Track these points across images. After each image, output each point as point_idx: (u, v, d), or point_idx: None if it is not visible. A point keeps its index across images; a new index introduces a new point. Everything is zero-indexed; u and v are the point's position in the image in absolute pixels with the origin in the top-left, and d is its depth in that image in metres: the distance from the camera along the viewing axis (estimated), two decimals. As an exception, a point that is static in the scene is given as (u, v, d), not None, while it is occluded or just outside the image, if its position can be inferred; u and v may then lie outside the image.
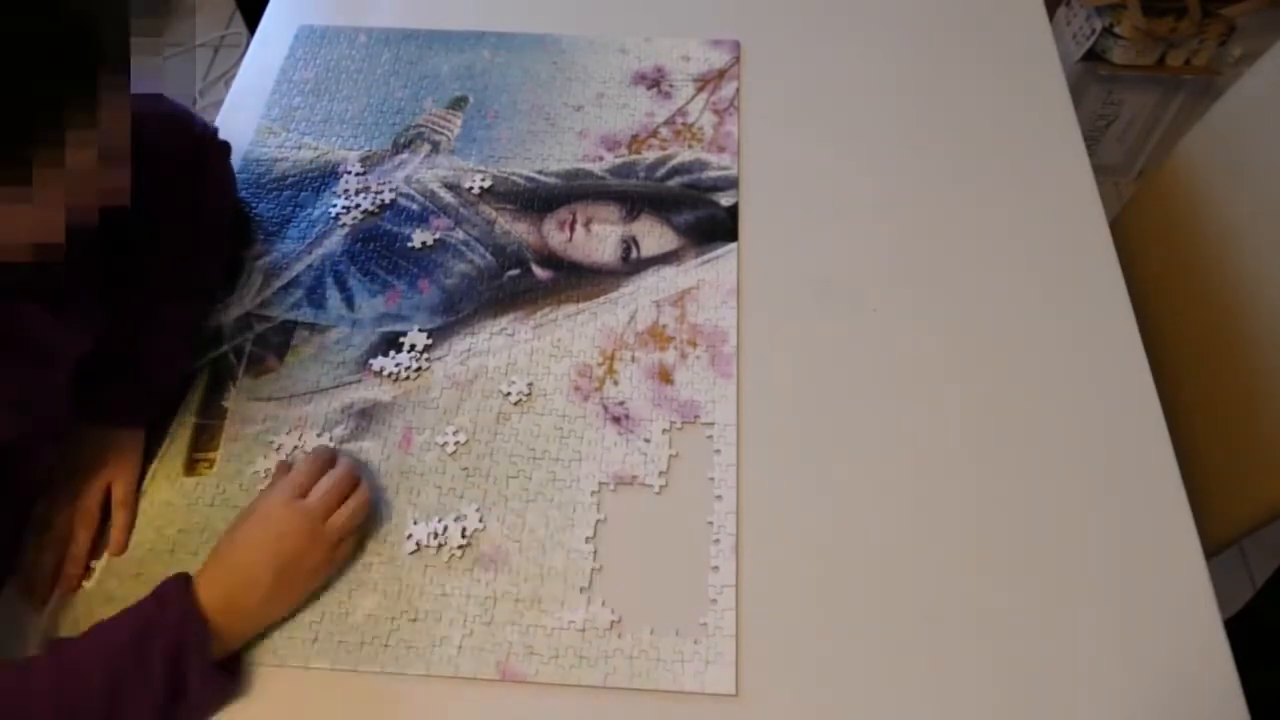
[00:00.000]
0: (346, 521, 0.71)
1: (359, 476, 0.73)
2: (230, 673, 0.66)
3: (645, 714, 0.67)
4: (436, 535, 0.74)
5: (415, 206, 0.96)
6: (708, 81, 1.07)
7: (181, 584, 0.65)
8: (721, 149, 1.00)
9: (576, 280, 0.90)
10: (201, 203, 0.86)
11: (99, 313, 0.73)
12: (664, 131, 1.02)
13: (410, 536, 0.74)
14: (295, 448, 0.79)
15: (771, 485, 0.78)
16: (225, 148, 0.91)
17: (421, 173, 0.98)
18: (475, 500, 0.76)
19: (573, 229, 0.94)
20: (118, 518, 0.75)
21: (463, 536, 0.74)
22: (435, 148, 1.01)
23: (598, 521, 0.75)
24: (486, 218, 0.95)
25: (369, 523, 0.74)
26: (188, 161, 0.85)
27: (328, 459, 0.73)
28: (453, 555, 0.73)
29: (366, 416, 0.81)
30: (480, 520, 0.75)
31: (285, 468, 0.76)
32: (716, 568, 0.73)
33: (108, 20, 0.52)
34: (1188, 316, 1.02)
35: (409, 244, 0.92)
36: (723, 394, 0.82)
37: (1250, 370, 0.92)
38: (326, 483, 0.71)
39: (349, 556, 0.72)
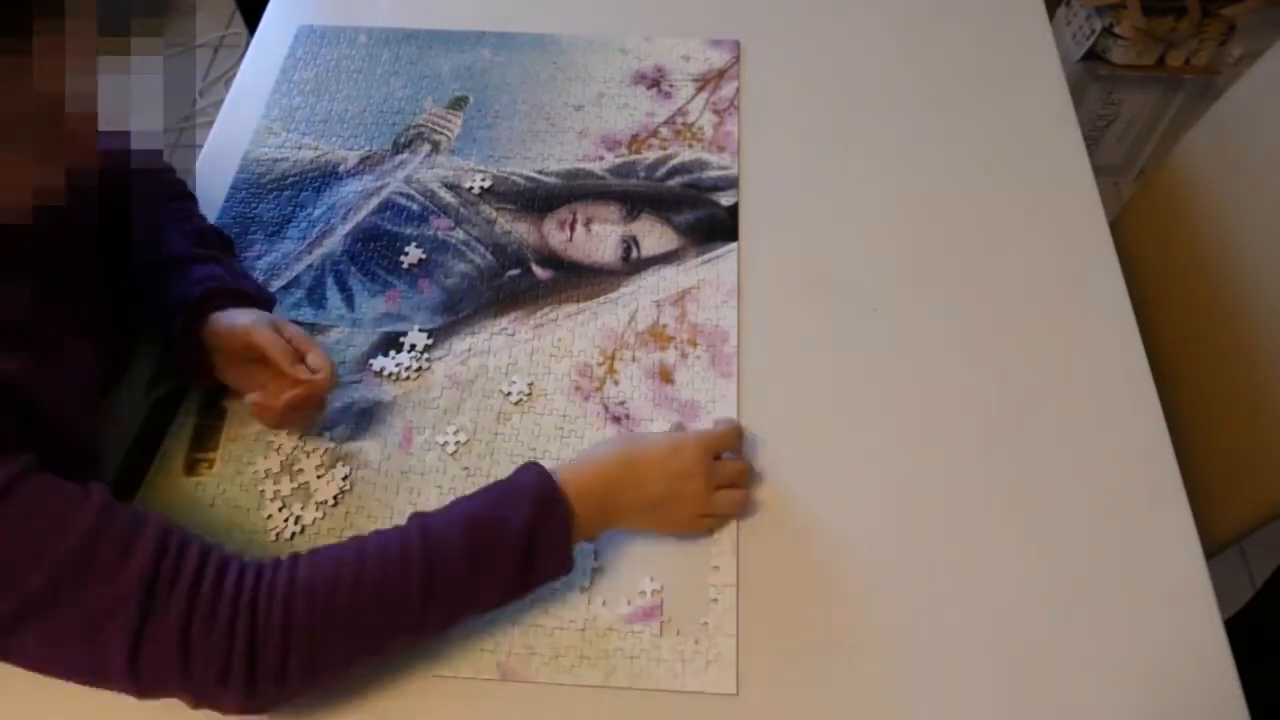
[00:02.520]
0: (728, 504, 0.74)
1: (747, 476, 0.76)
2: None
3: (646, 714, 0.67)
4: None
5: (415, 206, 0.96)
6: (708, 81, 1.07)
7: (539, 469, 0.68)
8: (721, 149, 1.00)
9: (577, 280, 0.90)
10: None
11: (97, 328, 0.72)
12: (664, 131, 1.02)
13: None
14: (295, 447, 0.79)
15: (772, 485, 0.78)
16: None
17: (421, 173, 0.98)
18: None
19: (573, 229, 0.94)
20: (321, 361, 0.74)
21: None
22: (435, 148, 1.01)
23: (598, 521, 0.75)
24: (487, 218, 0.95)
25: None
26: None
27: (739, 439, 0.76)
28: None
29: (367, 416, 0.81)
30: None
31: (734, 430, 0.77)
32: (717, 568, 0.73)
33: None
34: (1188, 316, 1.02)
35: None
36: (723, 394, 0.82)
37: (1250, 370, 0.92)
38: (738, 464, 0.75)
39: (705, 532, 0.74)
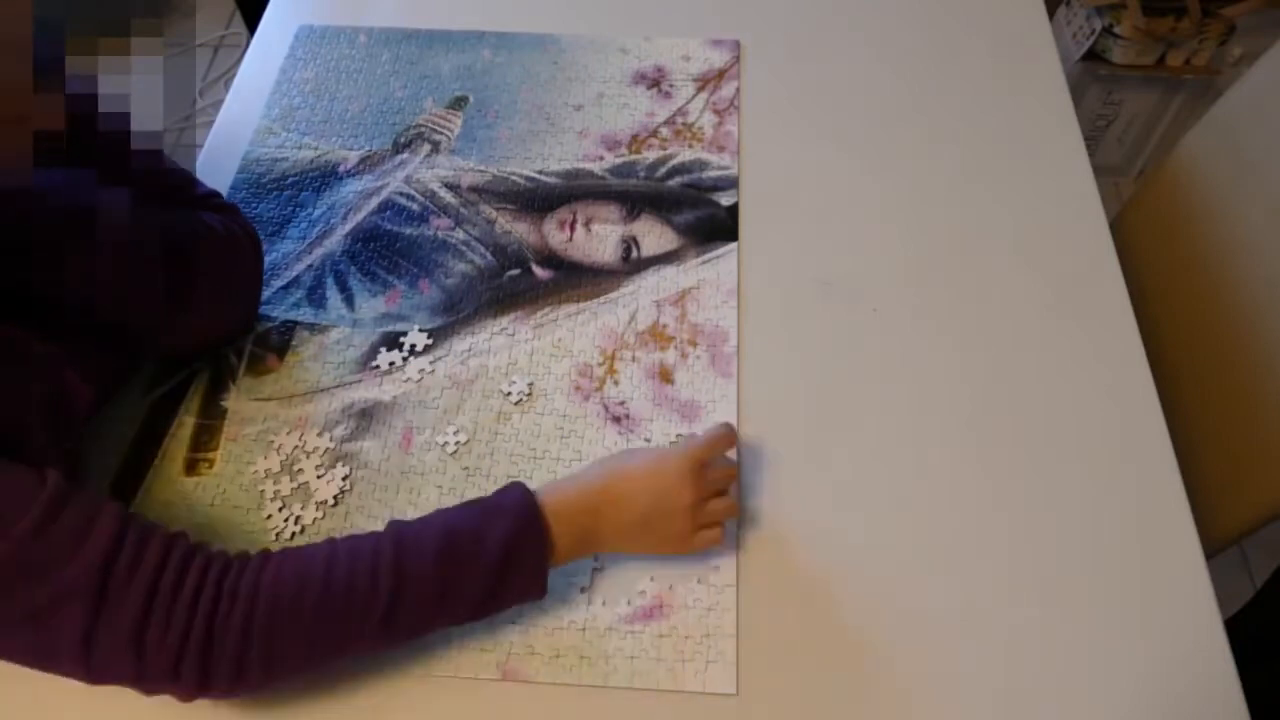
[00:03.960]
0: (721, 513, 0.72)
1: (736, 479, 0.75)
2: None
3: (646, 714, 0.67)
4: None
5: (415, 206, 0.96)
6: (708, 81, 1.07)
7: (522, 490, 0.67)
8: (721, 149, 1.00)
9: (577, 280, 0.90)
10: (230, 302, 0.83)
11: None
12: (664, 131, 1.02)
13: None
14: (295, 447, 0.79)
15: (772, 485, 0.78)
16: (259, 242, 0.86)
17: (421, 173, 0.98)
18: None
19: (573, 229, 0.94)
20: None
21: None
22: (435, 148, 1.01)
23: (598, 521, 0.75)
24: (487, 217, 0.95)
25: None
26: (225, 254, 0.81)
27: (730, 441, 0.73)
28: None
29: (367, 416, 0.81)
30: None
31: (724, 436, 0.74)
32: (717, 567, 0.73)
33: None
34: (1188, 316, 1.02)
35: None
36: (723, 394, 0.82)
37: (1250, 370, 0.92)
38: (723, 468, 0.73)
39: (705, 547, 0.71)
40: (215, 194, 0.82)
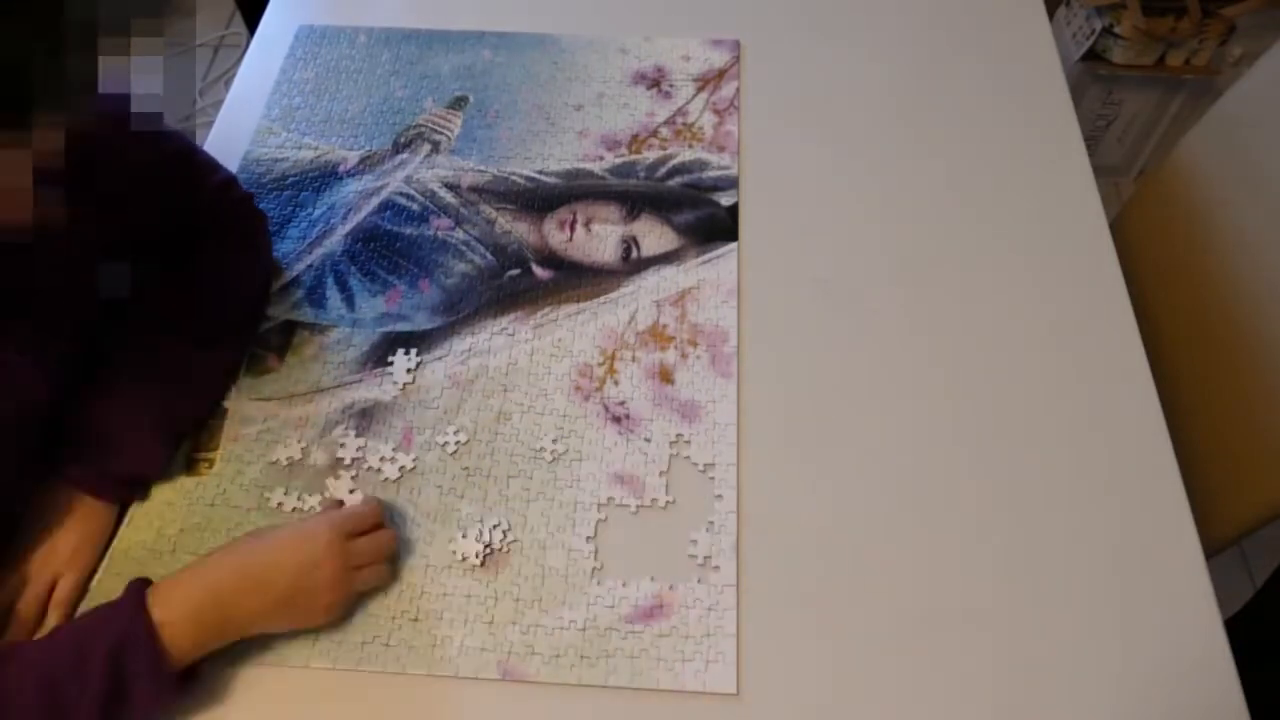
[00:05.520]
0: (370, 581, 0.70)
1: (394, 547, 0.72)
2: (183, 678, 0.63)
3: (646, 713, 0.67)
4: (480, 539, 0.74)
5: (415, 206, 0.96)
6: (708, 81, 1.07)
7: (136, 587, 0.64)
8: (721, 149, 1.00)
9: (577, 280, 0.90)
10: (238, 276, 0.84)
11: (58, 344, 0.70)
12: (664, 131, 1.02)
13: (455, 551, 0.74)
14: (296, 447, 0.79)
15: (772, 485, 0.78)
16: (264, 217, 0.88)
17: (421, 173, 0.98)
18: (476, 500, 0.76)
19: (573, 229, 0.94)
20: (50, 619, 0.69)
21: (487, 546, 0.74)
22: (435, 148, 1.01)
23: (598, 521, 0.75)
24: (487, 217, 0.95)
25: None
26: (223, 224, 0.83)
27: (377, 515, 0.72)
28: (465, 558, 0.74)
29: (367, 416, 0.81)
30: (505, 532, 0.75)
31: (336, 504, 0.74)
32: (717, 567, 0.73)
33: (40, 63, 0.50)
34: (1188, 316, 1.02)
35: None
36: (723, 394, 0.82)
37: (1250, 370, 0.92)
38: (372, 540, 0.70)
39: (340, 616, 0.70)
40: (227, 183, 0.84)
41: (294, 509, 0.76)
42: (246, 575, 0.66)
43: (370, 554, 0.70)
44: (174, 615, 0.62)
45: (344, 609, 0.69)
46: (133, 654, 0.60)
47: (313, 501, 0.76)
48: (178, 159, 0.80)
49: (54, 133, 0.52)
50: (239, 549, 0.68)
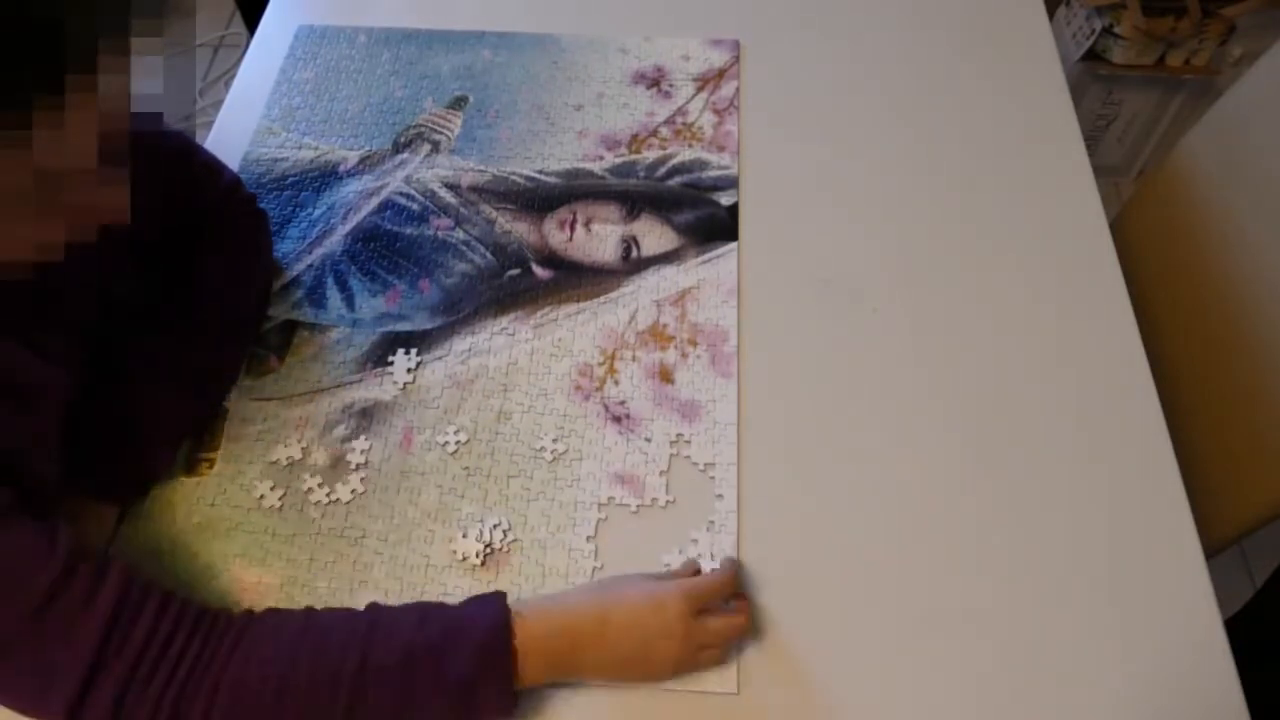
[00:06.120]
0: (703, 664, 0.68)
1: (744, 633, 0.70)
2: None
3: (646, 713, 0.67)
4: (481, 539, 0.74)
5: (415, 206, 0.96)
6: (708, 81, 1.07)
7: (503, 601, 0.65)
8: (721, 148, 1.00)
9: (577, 280, 0.90)
10: (241, 276, 0.84)
11: (83, 346, 0.70)
12: (664, 131, 1.02)
13: (456, 551, 0.74)
14: (296, 447, 0.79)
15: (772, 485, 0.78)
16: (266, 217, 0.88)
17: (421, 173, 0.98)
18: (477, 500, 0.76)
19: (573, 228, 0.94)
20: None
21: (487, 546, 0.74)
22: (435, 147, 1.01)
23: (599, 521, 0.75)
24: (486, 217, 0.95)
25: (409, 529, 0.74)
26: (227, 225, 0.83)
27: (732, 586, 0.70)
28: (465, 558, 0.74)
29: (367, 416, 0.81)
30: (505, 532, 0.75)
31: (694, 569, 0.72)
32: (717, 567, 0.73)
33: (74, 20, 0.50)
34: (1188, 316, 1.02)
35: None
36: (723, 393, 0.82)
37: (1250, 370, 0.92)
38: (724, 625, 0.68)
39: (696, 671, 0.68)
40: (234, 185, 0.84)
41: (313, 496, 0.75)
42: (604, 626, 0.65)
43: (717, 637, 0.68)
44: (532, 646, 0.63)
45: (673, 678, 0.68)
46: (489, 690, 0.62)
47: (314, 503, 0.76)
48: (180, 159, 0.80)
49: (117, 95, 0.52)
50: (601, 598, 0.67)
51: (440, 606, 0.66)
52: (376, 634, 0.62)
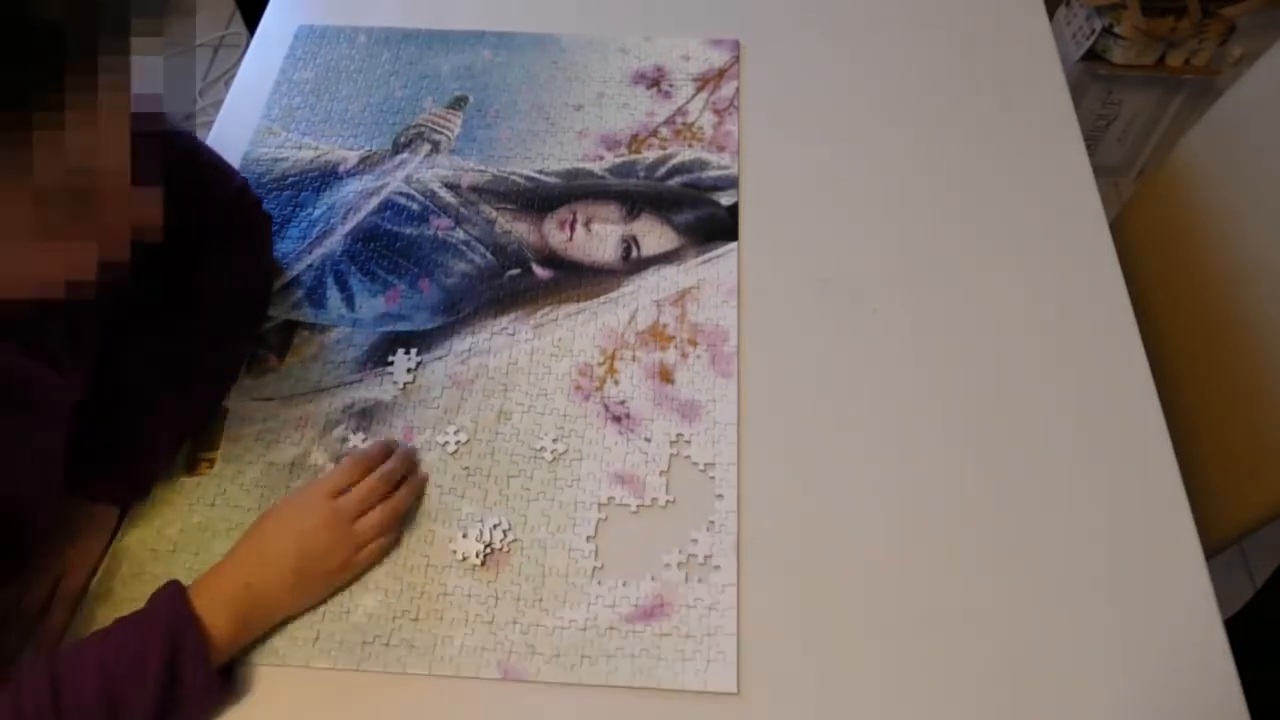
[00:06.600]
0: (372, 527, 0.71)
1: (410, 475, 0.74)
2: (226, 676, 0.66)
3: (647, 713, 0.67)
4: (481, 539, 0.74)
5: (415, 206, 0.96)
6: (708, 81, 1.07)
7: (175, 590, 0.65)
8: (721, 148, 1.00)
9: (577, 280, 0.90)
10: (244, 277, 0.84)
11: (91, 352, 0.70)
12: (664, 131, 1.02)
13: (456, 551, 0.74)
14: (297, 446, 0.79)
15: (772, 485, 0.78)
16: (269, 220, 0.89)
17: (421, 172, 0.98)
18: (477, 500, 0.76)
19: (573, 228, 0.94)
20: (55, 616, 0.69)
21: (487, 546, 0.74)
22: (435, 147, 1.01)
23: (599, 521, 0.75)
24: (486, 217, 0.95)
25: (404, 527, 0.74)
26: (233, 227, 0.84)
27: (378, 456, 0.74)
28: (466, 558, 0.74)
29: (367, 416, 0.81)
30: (505, 531, 0.75)
31: (351, 461, 0.75)
32: (717, 567, 0.73)
33: (74, 23, 0.50)
34: (1188, 316, 1.02)
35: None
36: (723, 393, 0.82)
37: (1250, 370, 0.92)
38: (366, 485, 0.72)
39: (374, 561, 0.72)
40: (243, 188, 0.85)
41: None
42: (261, 554, 0.68)
43: (371, 531, 0.71)
44: (212, 604, 0.64)
45: (351, 573, 0.71)
46: (187, 665, 0.62)
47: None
48: (187, 160, 0.80)
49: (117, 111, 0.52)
50: (252, 534, 0.70)
51: (119, 619, 0.65)
52: (63, 660, 0.61)
